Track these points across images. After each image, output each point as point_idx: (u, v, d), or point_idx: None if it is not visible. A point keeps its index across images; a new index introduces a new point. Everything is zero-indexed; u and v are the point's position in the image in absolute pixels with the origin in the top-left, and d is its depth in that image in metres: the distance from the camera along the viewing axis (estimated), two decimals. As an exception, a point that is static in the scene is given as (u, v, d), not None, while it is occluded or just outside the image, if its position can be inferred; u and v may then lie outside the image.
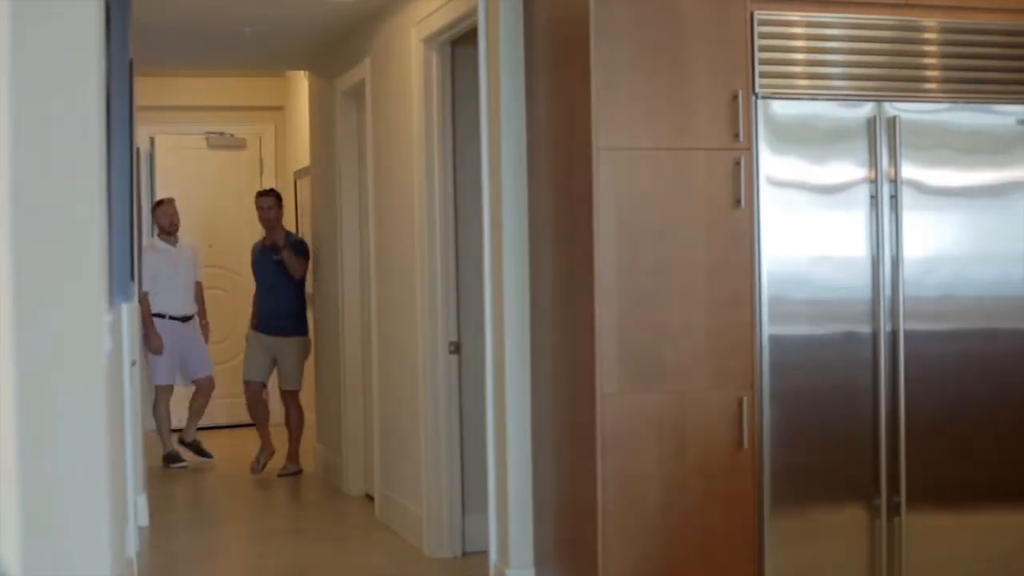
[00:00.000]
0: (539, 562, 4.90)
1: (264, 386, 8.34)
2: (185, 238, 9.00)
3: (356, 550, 6.17)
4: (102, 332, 2.31)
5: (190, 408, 8.84)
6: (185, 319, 8.74)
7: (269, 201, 8.23)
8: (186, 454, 8.74)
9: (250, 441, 8.57)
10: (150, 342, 8.46)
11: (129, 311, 5.57)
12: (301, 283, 8.21)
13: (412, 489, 6.17)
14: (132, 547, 5.46)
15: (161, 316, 8.58)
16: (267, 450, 8.34)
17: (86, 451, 2.25)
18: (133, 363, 5.60)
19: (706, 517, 4.40)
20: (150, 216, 9.22)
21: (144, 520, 6.68)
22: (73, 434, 2.21)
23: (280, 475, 8.13)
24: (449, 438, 5.87)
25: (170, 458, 8.65)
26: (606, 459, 4.31)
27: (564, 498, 4.66)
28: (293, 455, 8.24)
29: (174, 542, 6.51)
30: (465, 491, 5.92)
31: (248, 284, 8.77)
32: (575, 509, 4.52)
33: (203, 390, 8.85)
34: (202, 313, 9.05)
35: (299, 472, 8.20)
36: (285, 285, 8.15)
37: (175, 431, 8.88)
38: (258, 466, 8.27)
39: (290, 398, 8.25)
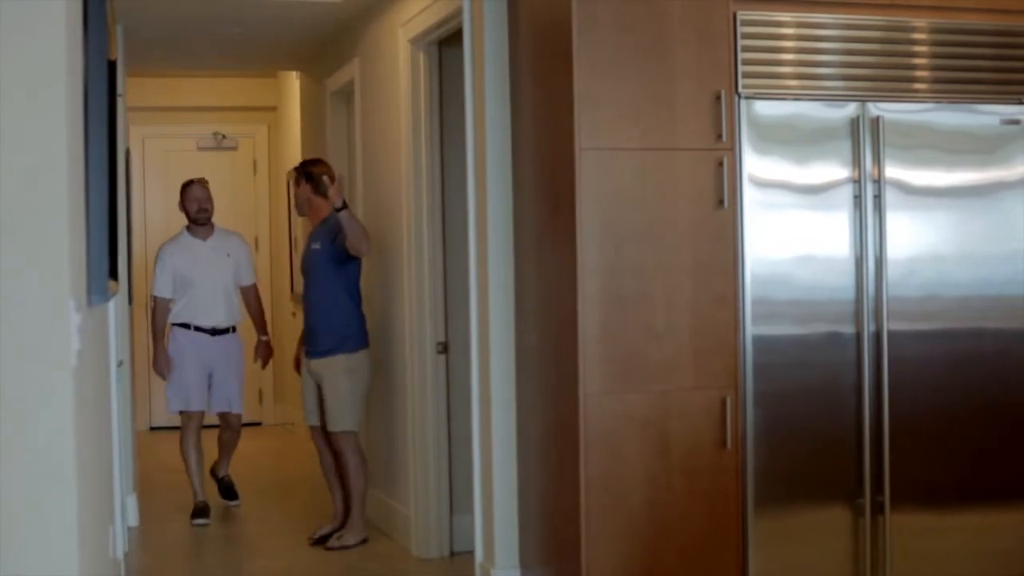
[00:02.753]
0: (525, 562, 4.90)
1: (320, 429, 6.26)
2: (228, 228, 7.31)
3: (344, 550, 6.16)
4: (70, 332, 2.31)
5: (219, 442, 7.19)
6: (216, 332, 6.95)
7: (294, 177, 6.29)
8: (210, 489, 7.17)
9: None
10: (154, 364, 6.97)
11: (117, 309, 5.58)
12: (353, 279, 6.05)
13: (400, 490, 6.17)
14: (120, 547, 5.46)
15: (185, 326, 6.92)
16: (339, 518, 6.26)
17: (52, 450, 2.26)
18: (120, 363, 5.60)
19: (689, 517, 4.40)
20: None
21: (134, 520, 6.68)
22: (37, 435, 2.21)
23: (328, 546, 6.11)
24: (437, 438, 5.87)
25: (196, 511, 6.86)
26: (589, 459, 4.32)
27: (549, 498, 4.66)
28: (347, 517, 6.19)
29: (165, 542, 6.51)
30: (453, 491, 5.91)
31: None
32: (559, 509, 4.53)
33: (224, 424, 7.12)
34: (259, 326, 7.17)
35: (362, 542, 6.15)
36: (329, 284, 5.98)
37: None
38: (315, 536, 6.24)
39: (343, 444, 6.01)
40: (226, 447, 7.21)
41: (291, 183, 6.32)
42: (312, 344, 6.05)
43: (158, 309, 6.93)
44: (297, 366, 6.38)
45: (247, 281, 7.11)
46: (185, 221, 7.11)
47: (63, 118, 2.35)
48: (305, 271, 6.17)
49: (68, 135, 2.42)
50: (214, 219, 7.11)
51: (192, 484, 6.93)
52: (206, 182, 7.06)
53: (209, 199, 7.01)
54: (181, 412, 6.92)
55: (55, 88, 2.33)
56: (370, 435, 6.76)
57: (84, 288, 2.96)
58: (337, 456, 6.10)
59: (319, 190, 6.03)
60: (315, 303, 6.04)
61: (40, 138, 2.29)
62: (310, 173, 6.14)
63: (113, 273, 4.51)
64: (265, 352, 7.23)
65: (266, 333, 7.21)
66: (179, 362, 6.88)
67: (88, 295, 3.04)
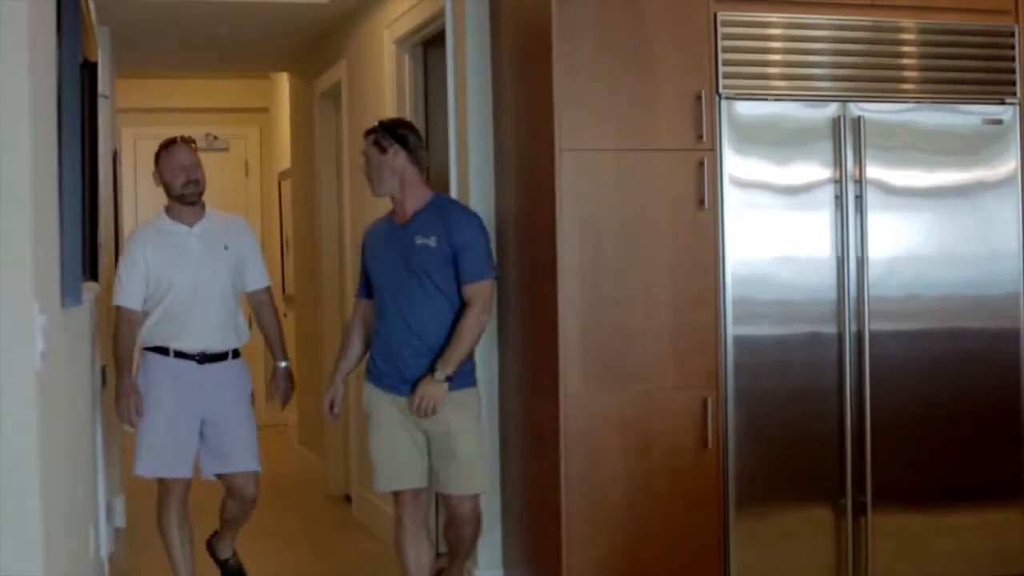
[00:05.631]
0: (507, 563, 4.90)
1: (421, 494, 4.50)
2: (216, 209, 5.04)
3: (332, 551, 6.18)
4: (34, 333, 2.32)
5: (222, 515, 5.09)
6: (207, 358, 4.79)
7: (366, 143, 4.57)
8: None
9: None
10: (116, 403, 4.79)
11: (103, 312, 5.58)
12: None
13: (387, 490, 6.16)
14: (104, 548, 5.47)
15: (162, 352, 4.76)
16: None
17: (15, 451, 2.27)
18: (104, 366, 5.60)
19: (671, 517, 4.41)
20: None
21: (122, 521, 6.69)
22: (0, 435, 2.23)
23: None
24: (423, 439, 5.85)
25: None
26: (570, 459, 4.32)
27: (530, 498, 4.67)
28: None
29: (153, 543, 6.50)
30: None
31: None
32: (540, 509, 4.53)
33: (237, 494, 4.95)
34: (276, 347, 5.01)
35: None
36: (445, 293, 4.41)
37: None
38: None
39: (472, 510, 4.47)
40: (232, 520, 5.07)
41: (368, 152, 4.52)
42: (409, 376, 4.40)
43: (122, 324, 4.75)
44: (331, 407, 4.69)
45: (257, 284, 5.00)
46: (164, 200, 4.92)
47: (27, 119, 2.35)
48: (392, 274, 4.46)
49: (34, 136, 2.42)
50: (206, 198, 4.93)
51: (173, 567, 5.00)
52: (193, 142, 4.98)
53: (199, 167, 4.87)
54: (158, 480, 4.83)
55: (18, 89, 2.33)
56: (358, 435, 6.76)
57: (57, 290, 2.96)
58: (455, 526, 4.50)
59: (417, 159, 4.52)
60: (421, 319, 4.38)
61: (2, 140, 2.29)
62: (404, 136, 4.52)
63: (94, 275, 4.53)
64: (286, 384, 5.04)
65: (286, 357, 5.05)
66: (151, 405, 4.74)
67: (62, 297, 3.04)
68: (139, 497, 7.19)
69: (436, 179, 5.78)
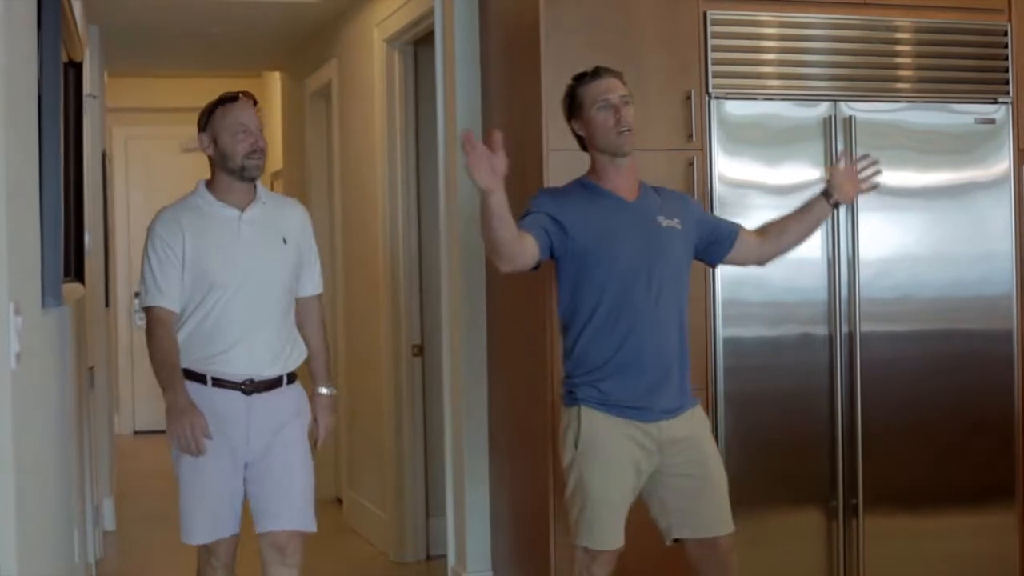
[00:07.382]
0: (496, 565, 4.87)
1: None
2: (267, 189, 3.97)
3: (321, 554, 6.14)
4: (8, 334, 2.30)
5: None
6: (254, 388, 3.70)
7: (618, 81, 3.62)
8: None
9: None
10: (170, 428, 3.58)
11: (90, 313, 5.55)
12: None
13: (377, 493, 6.14)
14: (92, 551, 5.44)
15: (198, 378, 3.66)
16: None
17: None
18: (91, 367, 5.56)
19: (660, 520, 4.37)
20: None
21: (111, 524, 6.66)
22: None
23: None
24: (413, 441, 5.84)
25: None
26: (558, 461, 4.27)
27: (519, 500, 4.64)
28: None
29: (143, 546, 6.48)
30: (429, 495, 5.88)
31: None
32: (529, 511, 4.50)
33: (276, 557, 3.79)
34: (319, 368, 3.98)
35: None
36: (685, 290, 3.65)
37: None
38: None
39: (730, 554, 3.68)
40: None
41: (622, 97, 3.59)
42: (659, 396, 3.55)
43: (157, 329, 3.66)
44: None
45: (308, 289, 3.96)
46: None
47: (1, 119, 2.32)
48: (641, 264, 3.51)
49: (8, 136, 2.39)
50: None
51: None
52: (256, 101, 3.84)
53: (260, 136, 3.77)
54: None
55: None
56: (348, 437, 6.73)
57: (37, 291, 2.94)
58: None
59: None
60: (682, 320, 3.61)
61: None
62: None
63: (80, 276, 4.49)
64: (326, 417, 3.97)
65: (329, 382, 4.02)
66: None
67: (42, 298, 3.02)
68: (128, 500, 7.18)
69: (428, 178, 5.76)
